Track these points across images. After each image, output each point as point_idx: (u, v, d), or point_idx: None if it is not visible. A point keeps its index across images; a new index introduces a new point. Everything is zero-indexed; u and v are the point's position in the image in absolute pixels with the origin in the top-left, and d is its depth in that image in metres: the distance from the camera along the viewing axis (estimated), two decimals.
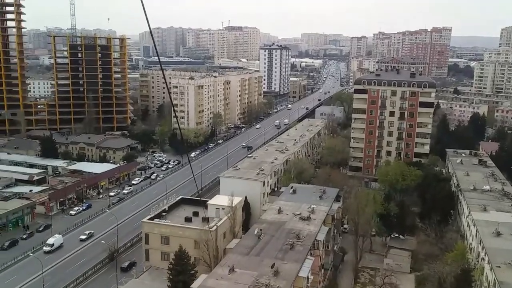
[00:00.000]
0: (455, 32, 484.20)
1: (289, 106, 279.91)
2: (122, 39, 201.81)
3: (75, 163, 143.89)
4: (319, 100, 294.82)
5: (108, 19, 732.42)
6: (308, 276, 58.40)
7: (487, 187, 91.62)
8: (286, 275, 54.85)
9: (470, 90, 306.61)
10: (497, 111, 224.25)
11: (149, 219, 74.96)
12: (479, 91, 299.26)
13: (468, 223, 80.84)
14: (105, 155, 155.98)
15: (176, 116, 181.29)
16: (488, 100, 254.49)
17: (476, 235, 71.60)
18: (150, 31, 22.77)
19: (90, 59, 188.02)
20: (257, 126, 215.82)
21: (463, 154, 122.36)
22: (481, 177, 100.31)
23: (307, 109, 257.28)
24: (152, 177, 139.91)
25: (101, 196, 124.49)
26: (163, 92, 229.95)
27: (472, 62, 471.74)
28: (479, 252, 67.92)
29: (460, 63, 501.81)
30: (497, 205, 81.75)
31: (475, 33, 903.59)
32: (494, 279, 56.15)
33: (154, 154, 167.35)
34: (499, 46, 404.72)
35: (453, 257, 71.29)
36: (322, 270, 71.95)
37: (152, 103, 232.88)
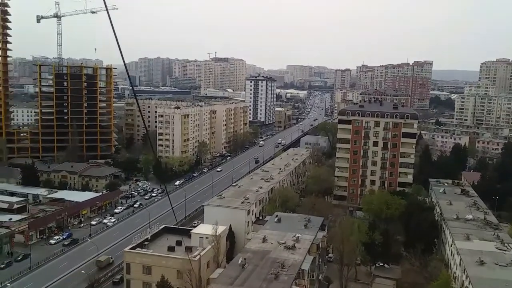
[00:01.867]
0: (436, 65, 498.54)
1: (261, 142, 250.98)
2: (108, 69, 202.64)
3: (57, 192, 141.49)
4: (302, 131, 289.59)
5: (95, 49, 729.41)
6: None
7: (470, 216, 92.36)
8: None
9: (451, 122, 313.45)
10: (478, 142, 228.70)
11: (131, 248, 73.65)
12: (460, 122, 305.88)
13: (452, 252, 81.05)
14: (87, 183, 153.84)
15: (151, 145, 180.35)
16: (469, 131, 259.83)
17: (460, 264, 71.72)
18: (124, 63, 22.99)
19: (75, 87, 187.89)
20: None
21: (446, 184, 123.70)
22: (464, 206, 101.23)
23: (282, 145, 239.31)
24: (135, 205, 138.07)
25: (82, 225, 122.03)
26: (149, 121, 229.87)
27: (453, 94, 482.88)
28: (463, 281, 67.89)
29: (441, 95, 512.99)
30: (480, 234, 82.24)
31: (455, 67, 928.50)
32: None
33: (138, 183, 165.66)
34: (479, 80, 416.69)
35: (437, 286, 71.00)
36: None
37: (137, 131, 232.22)
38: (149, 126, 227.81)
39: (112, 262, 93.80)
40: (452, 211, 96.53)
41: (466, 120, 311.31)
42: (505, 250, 73.84)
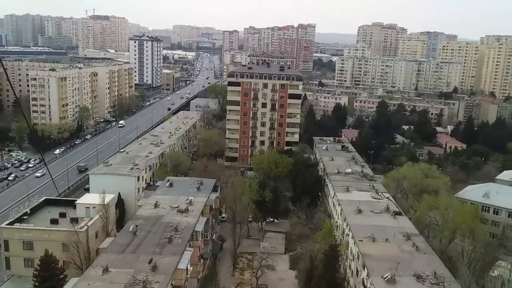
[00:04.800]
0: (318, 29, 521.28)
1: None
2: None
3: None
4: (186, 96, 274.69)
5: None
6: (187, 268, 57.68)
7: (349, 170, 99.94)
8: (165, 269, 53.38)
9: (333, 83, 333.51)
10: (356, 102, 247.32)
11: (8, 224, 67.23)
12: (341, 83, 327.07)
13: (334, 203, 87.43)
14: None
15: (22, 111, 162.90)
16: (348, 91, 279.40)
17: (341, 214, 77.72)
18: None
19: None
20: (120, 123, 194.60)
21: (328, 141, 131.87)
22: (344, 161, 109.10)
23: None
24: (10, 178, 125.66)
25: None
26: (20, 85, 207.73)
27: (334, 57, 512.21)
28: (344, 228, 73.90)
29: (323, 57, 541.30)
30: (358, 186, 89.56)
31: (336, 30, 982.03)
32: (358, 251, 61.54)
33: (11, 153, 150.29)
34: (357, 43, 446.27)
35: (322, 236, 76.49)
36: (202, 260, 71.90)
37: (7, 97, 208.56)
38: (20, 91, 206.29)
39: None
40: (334, 166, 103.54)
41: (346, 81, 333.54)
42: (379, 199, 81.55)
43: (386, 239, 63.63)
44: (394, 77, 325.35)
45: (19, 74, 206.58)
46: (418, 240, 64.12)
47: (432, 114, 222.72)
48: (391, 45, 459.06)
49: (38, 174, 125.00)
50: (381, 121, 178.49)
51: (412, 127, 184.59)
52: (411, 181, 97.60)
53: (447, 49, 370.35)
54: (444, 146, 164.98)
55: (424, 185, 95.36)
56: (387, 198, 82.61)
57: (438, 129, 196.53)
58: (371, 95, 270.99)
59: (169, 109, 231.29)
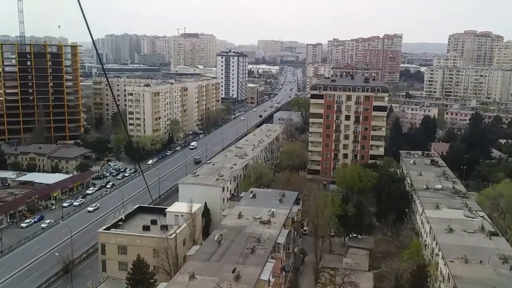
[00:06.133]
0: (406, 38, 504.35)
1: (242, 118, 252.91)
2: (73, 47, 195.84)
3: (26, 174, 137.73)
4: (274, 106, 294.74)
5: (59, 26, 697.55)
6: (269, 279, 58.23)
7: (439, 186, 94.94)
8: (247, 279, 54.46)
9: (421, 94, 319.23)
10: (446, 114, 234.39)
11: (105, 229, 72.80)
12: (430, 95, 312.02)
13: (422, 220, 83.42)
14: (57, 165, 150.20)
15: (123, 123, 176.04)
16: (438, 103, 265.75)
17: (430, 232, 73.94)
18: (92, 39, 21.21)
19: (40, 67, 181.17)
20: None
21: (416, 155, 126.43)
22: (433, 176, 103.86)
23: (260, 116, 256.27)
24: (108, 186, 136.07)
25: (53, 207, 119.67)
26: (118, 100, 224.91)
27: (422, 67, 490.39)
28: (433, 248, 70.14)
29: (411, 68, 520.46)
30: (449, 203, 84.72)
31: (424, 40, 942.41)
32: (448, 273, 58.05)
33: (109, 163, 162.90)
34: (447, 52, 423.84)
35: (409, 254, 73.21)
36: (283, 272, 72.06)
37: (106, 111, 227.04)
38: (118, 105, 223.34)
39: None
40: (422, 181, 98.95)
41: (435, 92, 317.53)
42: (472, 218, 76.40)
43: (480, 261, 59.39)
44: (489, 88, 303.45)
45: (118, 90, 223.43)
46: None
47: None
48: (485, 54, 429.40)
49: (91, 209, 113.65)
50: (475, 134, 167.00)
51: (510, 141, 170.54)
52: (509, 199, 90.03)
53: None
54: None
55: None
56: (482, 217, 77.09)
57: None
58: (464, 106, 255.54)
59: (260, 116, 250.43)
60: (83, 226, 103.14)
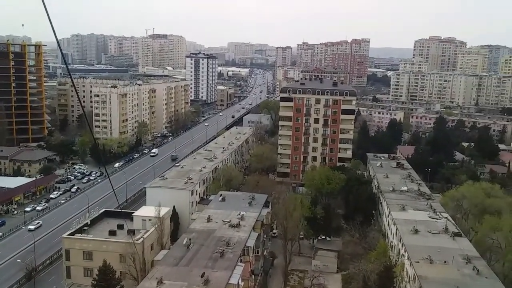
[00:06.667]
0: (373, 43, 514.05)
1: (206, 123, 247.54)
2: (37, 46, 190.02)
3: None
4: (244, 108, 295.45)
5: (23, 25, 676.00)
6: (238, 283, 57.87)
7: (405, 188, 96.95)
8: (217, 283, 53.95)
9: (387, 98, 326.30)
10: (412, 117, 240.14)
11: (69, 234, 70.73)
12: (396, 98, 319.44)
13: (388, 222, 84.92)
14: (19, 168, 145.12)
15: (89, 125, 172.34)
16: (404, 107, 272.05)
17: (396, 233, 75.32)
18: (56, 39, 20.41)
19: (2, 66, 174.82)
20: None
21: (382, 158, 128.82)
22: (399, 178, 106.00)
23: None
24: (72, 190, 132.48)
25: (15, 212, 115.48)
26: (84, 101, 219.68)
27: (388, 71, 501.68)
28: (399, 249, 71.47)
29: (378, 72, 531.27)
30: (414, 205, 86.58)
31: (389, 44, 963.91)
32: (414, 273, 59.24)
33: (74, 166, 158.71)
34: (413, 57, 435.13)
35: (376, 255, 74.39)
36: (253, 276, 71.89)
37: (71, 112, 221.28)
38: (84, 106, 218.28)
39: None
40: (389, 183, 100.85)
41: (401, 96, 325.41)
42: (437, 219, 78.33)
43: (445, 262, 60.89)
44: (453, 92, 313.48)
45: (83, 91, 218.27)
46: (479, 263, 60.85)
47: (494, 130, 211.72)
48: (449, 59, 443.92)
49: (32, 227, 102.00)
50: (439, 137, 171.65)
51: (472, 144, 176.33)
52: (471, 200, 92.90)
53: (510, 63, 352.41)
54: (507, 165, 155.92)
55: (485, 205, 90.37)
56: (446, 218, 79.20)
57: (501, 146, 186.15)
58: (428, 110, 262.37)
59: (233, 116, 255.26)
60: (46, 232, 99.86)
